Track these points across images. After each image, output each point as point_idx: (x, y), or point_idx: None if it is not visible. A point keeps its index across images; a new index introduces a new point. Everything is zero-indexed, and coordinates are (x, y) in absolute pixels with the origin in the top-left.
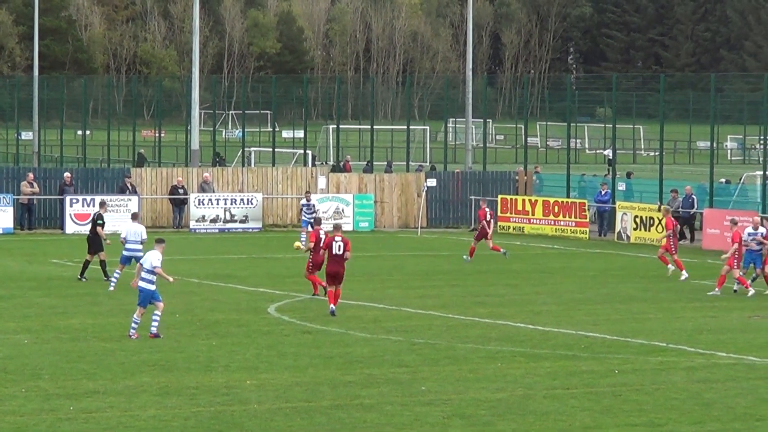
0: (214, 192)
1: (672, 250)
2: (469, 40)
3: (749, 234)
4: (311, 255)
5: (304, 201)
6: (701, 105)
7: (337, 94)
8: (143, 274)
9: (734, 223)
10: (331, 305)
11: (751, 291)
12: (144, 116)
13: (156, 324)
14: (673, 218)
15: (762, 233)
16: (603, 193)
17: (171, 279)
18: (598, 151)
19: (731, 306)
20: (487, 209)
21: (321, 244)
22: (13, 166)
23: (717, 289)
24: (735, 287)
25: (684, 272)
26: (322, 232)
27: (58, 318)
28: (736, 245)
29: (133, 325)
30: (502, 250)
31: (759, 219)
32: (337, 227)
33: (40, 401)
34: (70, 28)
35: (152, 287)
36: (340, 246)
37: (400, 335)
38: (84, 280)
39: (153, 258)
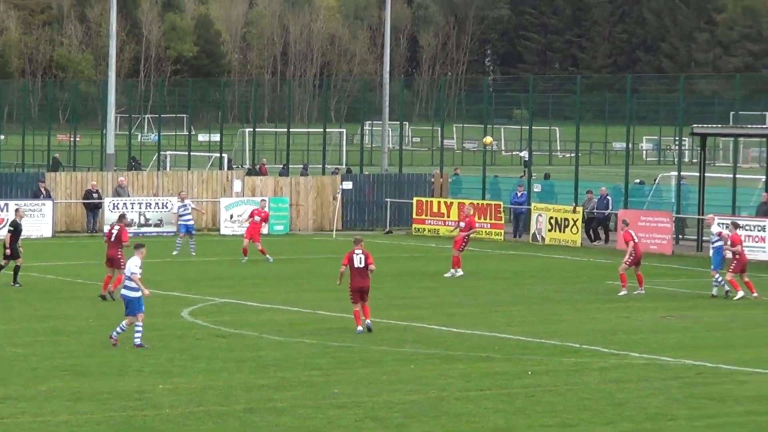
0: (129, 196)
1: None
2: (386, 43)
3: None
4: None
5: (179, 202)
6: (617, 106)
7: (253, 97)
8: (125, 282)
9: (735, 226)
10: (359, 327)
11: (740, 293)
12: (59, 120)
13: (138, 335)
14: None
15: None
16: (519, 194)
17: (147, 292)
18: (514, 153)
19: (644, 306)
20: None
21: (112, 239)
22: None
23: (740, 292)
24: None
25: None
26: (116, 228)
27: None
28: (738, 247)
29: (117, 329)
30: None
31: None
32: (357, 241)
33: None
34: None
35: (135, 294)
36: (361, 259)
37: (314, 338)
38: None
39: (131, 264)
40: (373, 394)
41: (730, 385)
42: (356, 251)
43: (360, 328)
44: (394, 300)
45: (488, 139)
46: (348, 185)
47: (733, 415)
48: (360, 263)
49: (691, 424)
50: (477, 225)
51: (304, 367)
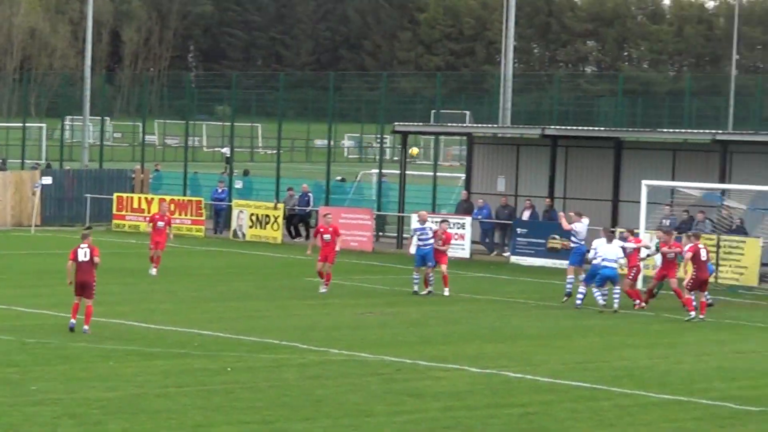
0: None
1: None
2: (88, 38)
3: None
4: None
5: None
6: (320, 104)
7: None
8: None
9: (696, 237)
10: (72, 320)
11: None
12: None
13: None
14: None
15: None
16: (220, 191)
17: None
18: (216, 149)
19: (344, 303)
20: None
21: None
22: None
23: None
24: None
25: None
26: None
27: None
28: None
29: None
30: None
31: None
32: (85, 235)
33: None
34: None
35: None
36: (86, 252)
37: (11, 335)
38: None
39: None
40: (71, 390)
41: (428, 381)
42: (82, 245)
43: (73, 321)
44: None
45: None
46: (47, 180)
47: (431, 411)
48: (85, 257)
49: (390, 420)
50: (180, 222)
51: (0, 364)
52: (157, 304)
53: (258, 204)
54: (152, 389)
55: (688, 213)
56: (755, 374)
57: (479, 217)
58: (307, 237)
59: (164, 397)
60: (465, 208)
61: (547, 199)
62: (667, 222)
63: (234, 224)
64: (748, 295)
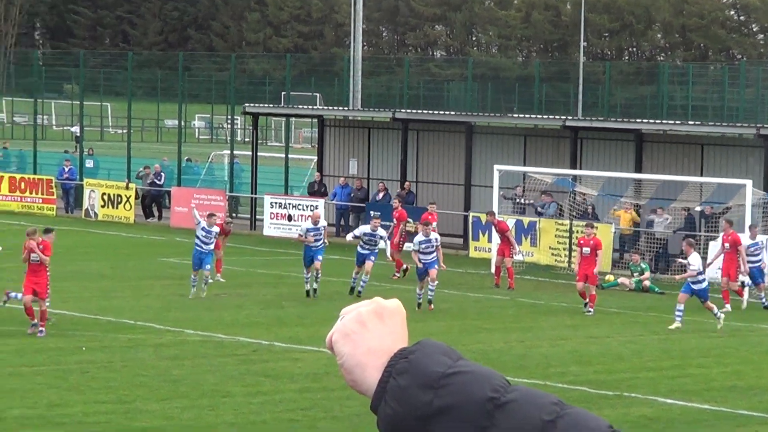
0: None
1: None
2: None
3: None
4: None
5: None
6: (169, 83)
7: None
8: None
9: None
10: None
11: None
12: None
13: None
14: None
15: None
16: (66, 169)
17: None
18: (65, 128)
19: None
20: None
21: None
22: None
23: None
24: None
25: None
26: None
27: None
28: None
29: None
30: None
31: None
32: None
33: None
34: None
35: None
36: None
37: None
38: None
39: None
40: None
41: (285, 362)
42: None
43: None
44: None
45: None
46: None
47: (288, 392)
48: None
49: (248, 401)
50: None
51: None
52: (8, 283)
53: (110, 183)
54: (5, 368)
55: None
56: (609, 359)
57: (334, 200)
58: (160, 217)
59: (18, 377)
60: (317, 190)
61: (407, 183)
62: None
63: (86, 203)
64: (601, 280)
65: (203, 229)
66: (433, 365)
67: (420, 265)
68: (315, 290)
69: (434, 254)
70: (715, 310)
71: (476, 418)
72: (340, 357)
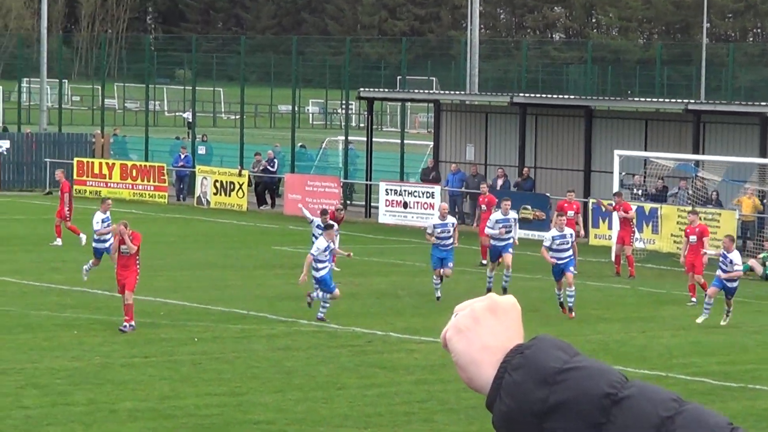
0: None
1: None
2: None
3: (497, 221)
4: None
5: None
6: (283, 68)
7: None
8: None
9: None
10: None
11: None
12: None
13: None
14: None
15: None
16: (183, 156)
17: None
18: (177, 114)
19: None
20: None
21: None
22: None
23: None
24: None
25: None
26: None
27: None
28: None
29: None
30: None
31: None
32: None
33: None
34: None
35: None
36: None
37: None
38: None
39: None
40: (35, 360)
41: (400, 353)
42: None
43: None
44: (54, 263)
45: None
46: (5, 144)
47: (404, 384)
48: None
49: (362, 393)
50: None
51: None
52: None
53: (222, 170)
54: (118, 359)
55: (663, 182)
56: (733, 349)
57: (447, 186)
58: (273, 205)
59: (130, 368)
60: (432, 176)
61: (526, 169)
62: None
63: (198, 191)
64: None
65: (318, 226)
66: (549, 361)
67: (553, 262)
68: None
69: (569, 252)
70: None
71: (592, 414)
72: (455, 354)
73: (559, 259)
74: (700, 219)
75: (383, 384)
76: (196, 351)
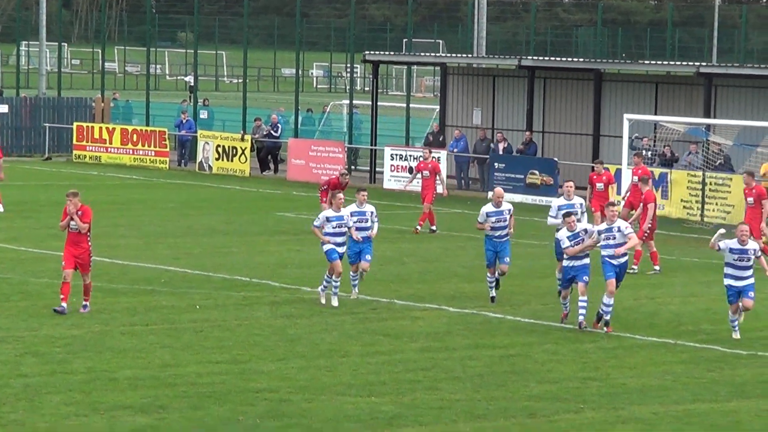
0: None
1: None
2: None
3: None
4: None
5: None
6: (287, 31)
7: None
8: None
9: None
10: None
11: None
12: None
13: None
14: None
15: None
16: (184, 121)
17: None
18: (179, 78)
19: (315, 240)
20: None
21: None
22: None
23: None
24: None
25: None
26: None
27: None
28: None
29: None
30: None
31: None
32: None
33: None
34: None
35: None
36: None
37: None
38: None
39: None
40: (34, 328)
41: (404, 321)
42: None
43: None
44: (52, 230)
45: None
46: (3, 109)
47: (409, 352)
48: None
49: (366, 361)
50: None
51: None
52: (121, 239)
53: (224, 135)
54: (117, 327)
55: (670, 148)
56: (744, 317)
57: (455, 150)
58: (276, 170)
59: (130, 335)
60: (437, 141)
61: (527, 133)
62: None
63: (200, 156)
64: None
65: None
66: None
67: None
68: (493, 298)
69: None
70: None
71: None
72: None
73: (612, 260)
74: (756, 182)
75: (387, 352)
76: (198, 318)
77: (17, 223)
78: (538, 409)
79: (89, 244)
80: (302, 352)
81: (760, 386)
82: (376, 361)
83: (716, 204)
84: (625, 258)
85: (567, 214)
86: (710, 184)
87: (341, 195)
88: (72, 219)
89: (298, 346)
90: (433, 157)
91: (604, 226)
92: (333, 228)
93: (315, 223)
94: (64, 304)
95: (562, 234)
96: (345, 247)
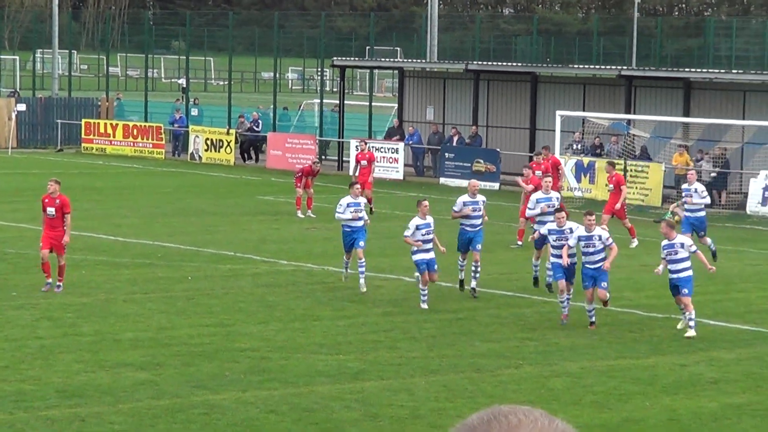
0: None
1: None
2: None
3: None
4: None
5: None
6: (266, 40)
7: None
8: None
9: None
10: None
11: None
12: None
13: None
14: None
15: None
16: (178, 117)
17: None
18: (173, 80)
19: (291, 220)
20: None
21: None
22: None
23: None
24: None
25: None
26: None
27: None
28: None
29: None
30: None
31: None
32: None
33: None
34: None
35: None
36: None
37: None
38: None
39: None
40: (48, 297)
41: (368, 289)
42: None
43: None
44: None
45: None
46: (22, 107)
47: (372, 316)
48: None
49: (335, 324)
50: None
51: None
52: (123, 219)
53: (212, 130)
54: (120, 295)
55: (600, 140)
56: (659, 285)
57: (410, 142)
58: (257, 160)
59: (131, 303)
60: (397, 134)
61: (473, 127)
62: (578, 147)
63: (191, 148)
64: (653, 214)
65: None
66: None
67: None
68: (474, 290)
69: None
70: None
71: None
72: None
73: (560, 257)
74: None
75: (353, 315)
76: (190, 288)
77: (35, 206)
78: (483, 365)
79: (65, 229)
80: (280, 317)
81: (674, 343)
82: (343, 324)
83: (636, 188)
84: (600, 264)
85: (557, 210)
86: (631, 170)
87: (426, 203)
88: (45, 210)
89: (276, 311)
90: (369, 148)
91: (584, 232)
92: (423, 235)
93: (406, 234)
94: (49, 281)
95: (549, 228)
96: (432, 254)
